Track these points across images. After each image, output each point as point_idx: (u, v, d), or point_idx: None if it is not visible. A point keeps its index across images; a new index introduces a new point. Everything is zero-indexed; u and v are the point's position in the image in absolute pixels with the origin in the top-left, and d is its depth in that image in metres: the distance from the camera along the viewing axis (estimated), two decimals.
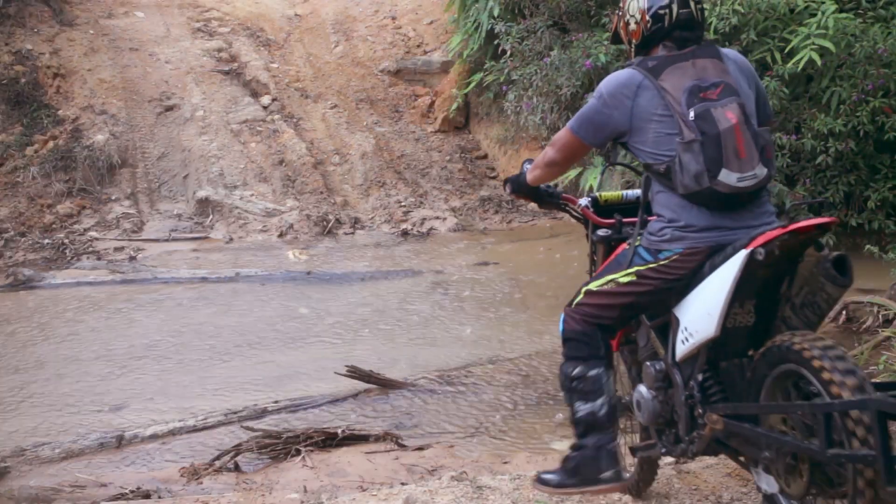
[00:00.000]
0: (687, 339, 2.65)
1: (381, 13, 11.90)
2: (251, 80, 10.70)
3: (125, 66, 10.60)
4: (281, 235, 8.76)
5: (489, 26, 9.17)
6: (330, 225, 8.89)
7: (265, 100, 10.49)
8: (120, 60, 10.66)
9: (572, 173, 8.53)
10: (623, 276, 2.76)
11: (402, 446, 4.65)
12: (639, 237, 2.79)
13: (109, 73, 10.39)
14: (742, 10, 7.19)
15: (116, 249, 8.49)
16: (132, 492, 4.20)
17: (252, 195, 9.33)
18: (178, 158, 9.76)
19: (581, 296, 2.85)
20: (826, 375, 2.30)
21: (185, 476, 4.38)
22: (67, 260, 8.26)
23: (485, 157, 10.25)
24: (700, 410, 2.67)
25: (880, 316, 5.76)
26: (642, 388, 2.86)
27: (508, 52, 8.69)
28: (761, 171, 2.67)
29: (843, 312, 6.04)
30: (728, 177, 2.62)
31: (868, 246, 5.86)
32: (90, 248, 8.51)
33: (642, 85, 2.73)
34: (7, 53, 10.26)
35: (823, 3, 7.01)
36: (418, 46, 11.38)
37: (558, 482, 2.85)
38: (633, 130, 2.78)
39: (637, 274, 2.73)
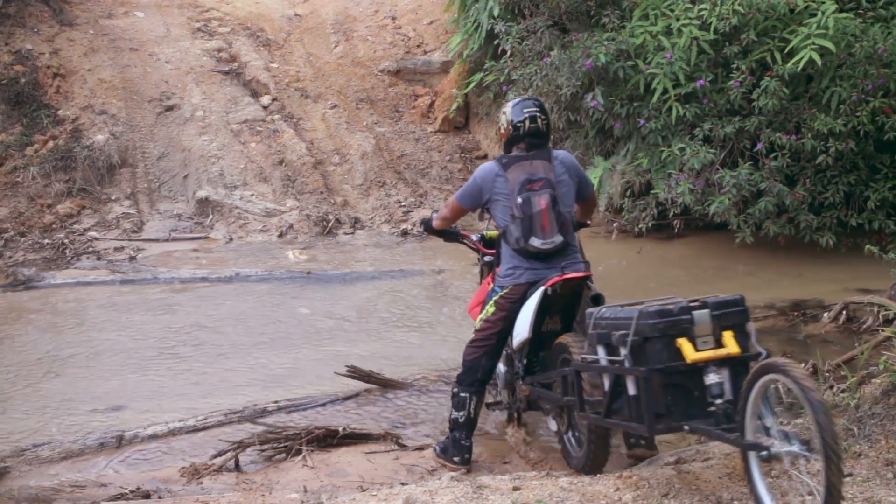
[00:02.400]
0: (515, 337, 4.18)
1: (381, 13, 11.90)
2: (251, 80, 10.71)
3: (125, 66, 10.60)
4: (281, 235, 8.76)
5: (489, 26, 9.17)
6: (330, 225, 8.89)
7: (265, 100, 10.49)
8: (120, 60, 10.66)
9: None
10: (490, 308, 4.26)
11: (402, 446, 4.64)
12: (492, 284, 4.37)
13: (109, 73, 10.39)
14: (742, 10, 7.19)
15: (116, 249, 8.49)
16: (132, 492, 4.20)
17: (252, 195, 9.33)
18: (178, 158, 9.76)
19: (473, 334, 4.35)
20: (574, 354, 3.83)
21: (185, 476, 4.38)
22: (67, 260, 8.27)
23: (485, 157, 10.25)
24: (520, 382, 4.29)
25: (880, 316, 5.76)
26: (500, 366, 4.49)
27: (508, 52, 8.69)
28: (558, 238, 4.12)
29: (844, 312, 6.05)
30: (535, 241, 4.11)
31: (868, 246, 5.86)
32: (90, 248, 8.51)
33: (498, 174, 4.23)
34: (7, 53, 10.25)
35: (823, 3, 7.01)
36: (418, 46, 11.38)
37: (436, 455, 4.42)
38: (490, 202, 4.29)
39: (495, 304, 4.23)
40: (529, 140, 4.24)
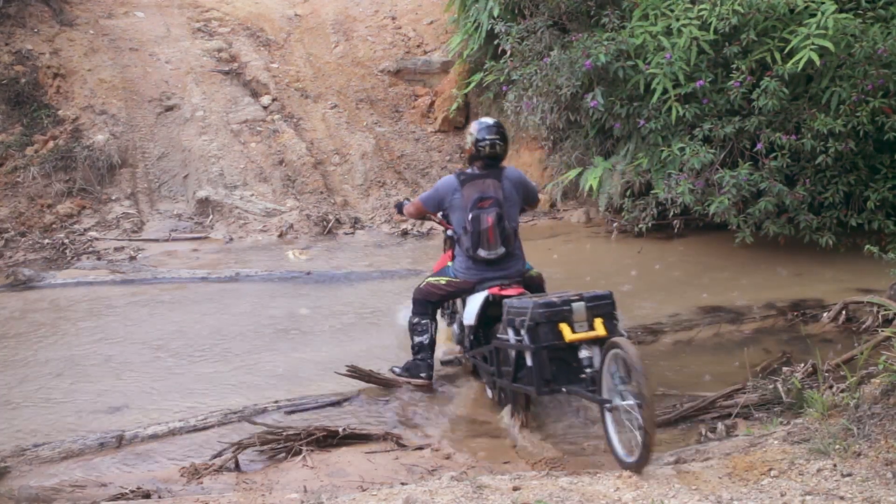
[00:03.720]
0: (465, 320, 5.16)
1: (381, 13, 11.90)
2: (251, 80, 10.71)
3: (125, 66, 10.60)
4: (281, 235, 8.76)
5: (489, 26, 9.17)
6: (330, 225, 8.89)
7: (265, 100, 10.49)
8: (120, 60, 10.66)
9: (572, 173, 8.54)
10: (442, 280, 5.27)
11: (402, 446, 4.65)
12: (450, 263, 5.32)
13: (109, 73, 10.39)
14: (742, 10, 7.19)
15: (116, 249, 8.49)
16: (132, 492, 4.20)
17: (252, 195, 9.33)
18: (178, 158, 9.76)
19: (424, 282, 5.35)
20: (503, 336, 4.62)
21: (185, 476, 4.38)
22: (67, 260, 8.27)
23: None
24: (466, 354, 5.32)
25: (880, 316, 5.77)
26: (455, 327, 5.61)
27: (508, 52, 8.69)
28: (501, 249, 5.04)
29: (843, 312, 6.05)
30: (482, 252, 5.05)
31: (868, 246, 5.86)
32: (90, 248, 8.51)
33: (456, 188, 5.12)
34: (7, 53, 10.26)
35: (823, 3, 7.02)
36: (418, 46, 11.38)
37: (400, 373, 5.29)
38: (448, 210, 5.22)
39: (447, 282, 5.24)
40: (486, 160, 5.13)
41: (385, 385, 5.43)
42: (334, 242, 8.59)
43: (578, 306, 4.19)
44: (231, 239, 8.75)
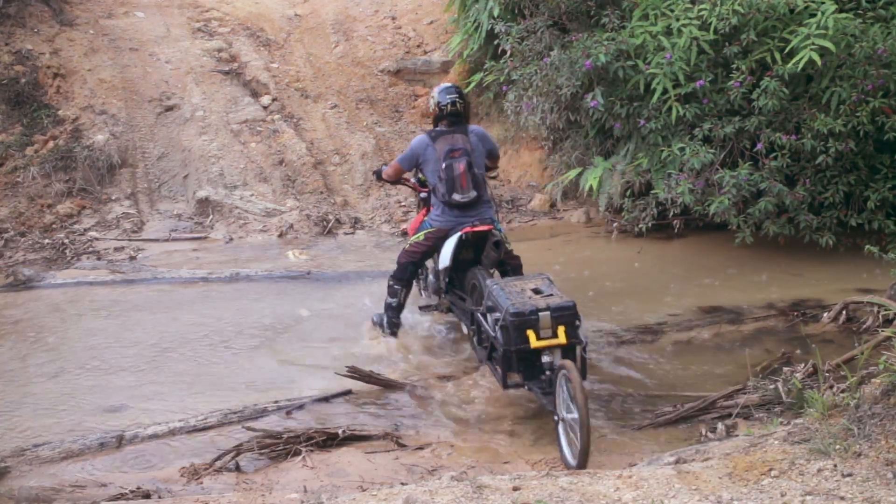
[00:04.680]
0: (440, 263, 5.82)
1: (381, 13, 11.89)
2: (251, 80, 10.70)
3: (125, 66, 10.59)
4: (281, 235, 8.76)
5: (489, 26, 9.16)
6: (330, 225, 8.89)
7: (265, 100, 10.49)
8: (120, 60, 10.65)
9: (572, 173, 8.54)
10: (421, 236, 5.91)
11: (402, 446, 4.65)
12: (426, 218, 5.98)
13: (109, 73, 10.38)
14: (742, 10, 7.19)
15: (116, 249, 8.48)
16: (132, 492, 4.20)
17: (252, 195, 9.33)
18: (178, 158, 9.75)
19: (408, 245, 6.01)
20: (478, 282, 5.47)
21: (185, 476, 4.38)
22: (67, 260, 8.26)
23: None
24: (443, 294, 6.03)
25: (880, 316, 5.77)
26: (430, 278, 6.22)
27: (508, 52, 8.69)
28: (473, 193, 5.68)
29: (844, 312, 6.06)
30: (456, 196, 5.68)
31: (868, 246, 5.86)
32: (90, 248, 8.50)
33: (428, 144, 5.83)
34: (7, 53, 10.25)
35: (823, 3, 7.02)
36: (418, 46, 11.37)
37: (374, 324, 6.21)
38: (423, 165, 5.89)
39: (425, 235, 5.87)
40: (450, 118, 5.91)
41: (385, 385, 5.44)
42: (334, 242, 8.59)
43: (544, 315, 4.69)
44: (231, 239, 8.75)
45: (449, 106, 5.89)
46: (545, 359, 4.72)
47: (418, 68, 11.12)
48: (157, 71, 10.64)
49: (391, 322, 6.04)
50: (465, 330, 5.78)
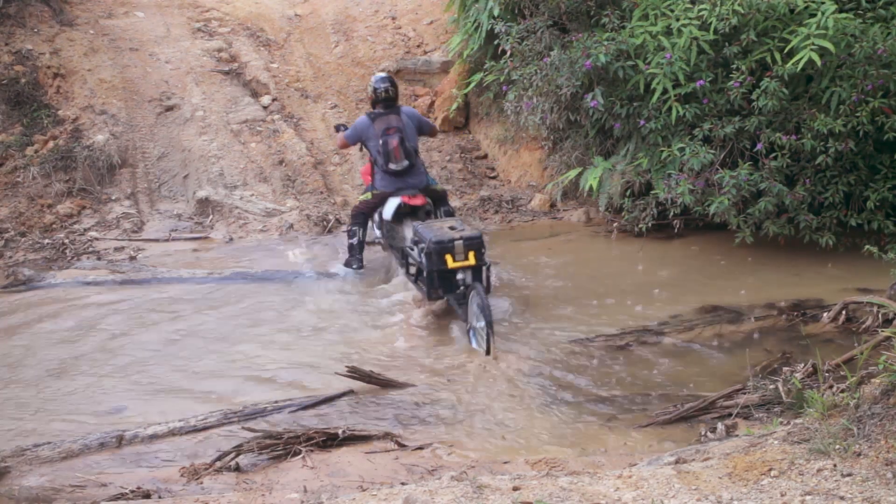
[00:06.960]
0: (384, 214, 7.23)
1: (381, 13, 11.89)
2: (251, 80, 10.70)
3: (125, 66, 10.59)
4: (281, 235, 8.77)
5: (489, 26, 9.16)
6: (330, 225, 8.89)
7: (265, 100, 10.49)
8: (120, 60, 10.65)
9: (572, 173, 8.54)
10: (368, 196, 7.34)
11: (402, 446, 4.65)
12: (371, 183, 7.40)
13: (109, 73, 10.38)
14: (742, 11, 7.20)
15: (116, 249, 8.48)
16: (132, 492, 4.20)
17: (252, 195, 9.33)
18: (178, 158, 9.75)
19: (358, 202, 7.48)
20: (411, 234, 6.81)
21: (185, 476, 4.38)
22: (67, 260, 8.26)
23: (485, 157, 10.25)
24: (384, 240, 7.57)
25: (880, 316, 5.77)
26: (376, 230, 7.60)
27: (508, 52, 8.68)
28: (405, 162, 7.13)
29: (843, 312, 6.05)
30: (392, 165, 7.13)
31: (868, 246, 5.87)
32: (90, 248, 8.50)
33: (369, 124, 7.26)
34: (7, 53, 10.25)
35: (823, 3, 7.02)
36: (418, 46, 11.37)
37: (344, 265, 7.45)
38: (365, 140, 7.33)
39: (372, 195, 7.30)
40: (384, 102, 7.30)
41: (385, 385, 5.44)
42: (334, 242, 8.59)
43: (458, 243, 6.13)
44: (231, 239, 8.75)
45: (383, 92, 7.28)
46: (459, 276, 6.17)
47: (418, 68, 11.12)
48: (157, 71, 10.64)
49: (356, 258, 7.33)
50: (394, 263, 7.33)
